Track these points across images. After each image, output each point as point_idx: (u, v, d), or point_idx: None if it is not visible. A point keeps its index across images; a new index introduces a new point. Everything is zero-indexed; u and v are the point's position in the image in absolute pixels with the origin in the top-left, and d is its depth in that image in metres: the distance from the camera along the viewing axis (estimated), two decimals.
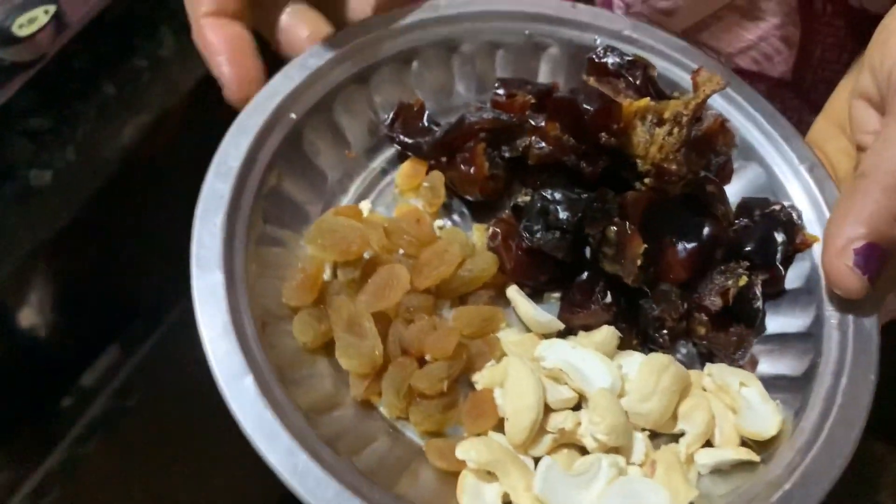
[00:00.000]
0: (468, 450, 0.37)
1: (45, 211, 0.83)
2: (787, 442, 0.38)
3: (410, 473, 0.38)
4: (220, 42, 0.44)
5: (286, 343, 0.41)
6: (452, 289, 0.44)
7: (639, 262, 0.42)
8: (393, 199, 0.48)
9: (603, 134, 0.43)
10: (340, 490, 0.34)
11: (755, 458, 0.38)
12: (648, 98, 0.42)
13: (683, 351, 0.45)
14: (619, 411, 0.38)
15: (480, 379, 0.41)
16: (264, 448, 0.35)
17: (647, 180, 0.43)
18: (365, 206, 0.47)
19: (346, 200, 0.48)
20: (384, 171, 0.49)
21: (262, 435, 0.35)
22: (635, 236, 0.42)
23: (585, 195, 0.43)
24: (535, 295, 0.46)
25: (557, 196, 0.43)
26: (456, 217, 0.48)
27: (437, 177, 0.47)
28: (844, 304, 0.42)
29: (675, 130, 0.41)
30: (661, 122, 0.42)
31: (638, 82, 0.45)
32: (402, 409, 0.40)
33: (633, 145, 0.42)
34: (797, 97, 0.59)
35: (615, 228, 0.42)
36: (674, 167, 0.41)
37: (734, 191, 0.49)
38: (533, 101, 0.47)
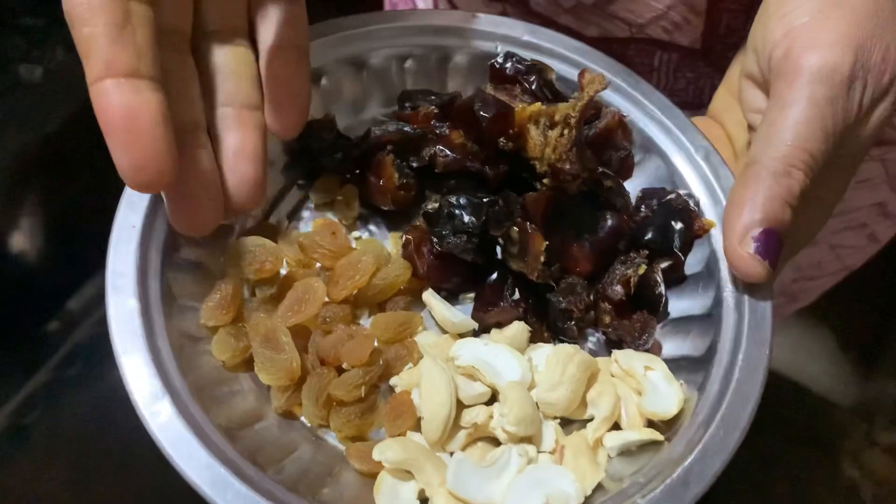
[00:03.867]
0: (383, 450, 0.39)
1: (35, 108, 0.81)
2: (689, 420, 0.41)
3: (333, 479, 0.40)
4: (113, 115, 0.33)
5: (207, 362, 0.42)
6: (369, 297, 0.45)
7: (542, 259, 0.44)
8: (310, 213, 0.50)
9: (501, 139, 0.45)
10: (259, 500, 0.35)
11: (659, 437, 0.40)
12: (540, 102, 0.44)
13: (593, 340, 0.47)
14: (527, 402, 0.40)
15: (399, 382, 0.43)
16: (184, 466, 0.36)
17: (545, 180, 0.45)
18: (282, 223, 0.49)
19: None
20: (300, 187, 0.51)
21: (181, 454, 0.36)
22: (536, 234, 0.44)
23: (487, 199, 0.45)
24: (451, 297, 0.48)
25: (462, 201, 0.45)
26: (372, 227, 0.50)
27: (351, 190, 0.49)
28: (740, 286, 0.44)
29: (566, 132, 0.43)
30: (553, 125, 0.44)
31: (534, 87, 0.47)
32: (323, 417, 0.42)
33: (529, 148, 0.44)
34: (708, 65, 0.61)
35: (517, 228, 0.44)
36: (567, 166, 0.43)
37: (637, 183, 0.51)
38: (436, 111, 0.48)
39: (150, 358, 0.39)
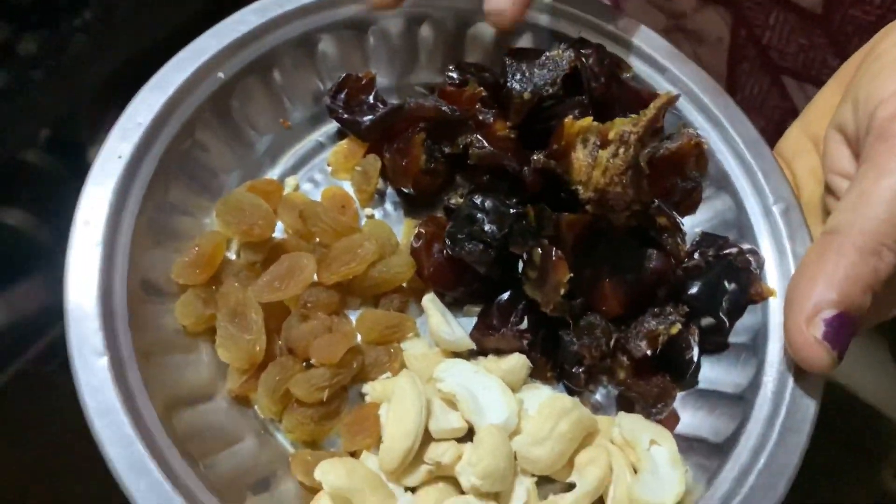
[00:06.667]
0: (327, 471, 0.34)
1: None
2: None
3: (269, 486, 0.35)
4: None
5: (168, 322, 0.38)
6: (363, 288, 0.40)
7: (561, 291, 0.38)
8: (325, 177, 0.45)
9: (538, 156, 0.38)
10: (174, 498, 0.31)
11: None
12: (591, 118, 0.37)
13: (603, 392, 0.41)
14: (502, 454, 0.35)
15: (371, 391, 0.38)
16: (105, 439, 0.32)
17: (588, 208, 0.38)
18: (290, 182, 0.44)
19: (272, 173, 0.44)
20: (321, 146, 0.45)
21: (104, 424, 0.33)
22: (561, 263, 0.37)
23: (516, 210, 0.39)
24: (456, 306, 0.42)
25: (487, 204, 0.39)
26: (389, 208, 0.45)
27: (373, 161, 0.43)
28: (788, 372, 0.37)
29: (622, 151, 0.36)
30: (605, 144, 0.37)
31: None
32: (276, 413, 0.37)
33: (574, 170, 0.38)
34: (824, 35, 0.53)
35: (540, 251, 0.38)
36: (618, 189, 0.37)
37: (698, 221, 0.44)
38: (484, 93, 0.42)
39: (99, 306, 0.35)
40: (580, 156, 0.37)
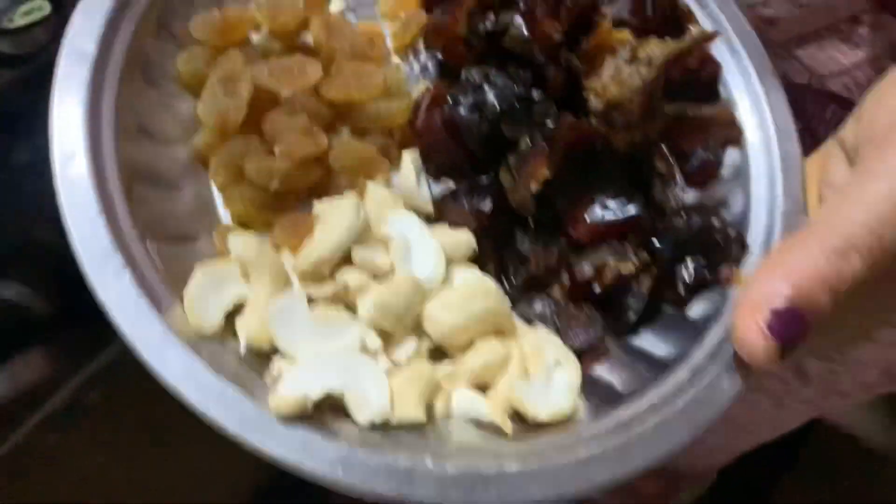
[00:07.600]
0: (237, 241, 0.34)
1: None
2: (549, 436, 0.34)
3: (187, 237, 0.36)
4: None
5: (170, 66, 0.39)
6: (355, 117, 0.40)
7: (533, 188, 0.37)
8: (372, 12, 0.45)
9: (567, 56, 0.37)
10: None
11: (506, 428, 0.33)
12: (630, 32, 0.37)
13: (538, 308, 0.40)
14: (405, 298, 0.34)
15: (319, 207, 0.38)
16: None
17: (593, 120, 0.38)
18: (337, 3, 0.44)
19: None
20: None
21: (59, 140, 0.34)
22: (543, 159, 0.37)
23: (523, 95, 0.38)
24: (434, 178, 0.42)
25: (499, 81, 0.39)
26: (417, 68, 0.45)
27: (418, 15, 0.44)
28: (721, 352, 0.36)
29: (644, 70, 0.35)
30: (633, 59, 0.36)
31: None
32: (223, 182, 0.38)
33: (594, 77, 0.37)
34: None
35: (528, 141, 0.37)
36: (626, 106, 0.36)
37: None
38: None
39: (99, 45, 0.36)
40: (606, 65, 0.36)
